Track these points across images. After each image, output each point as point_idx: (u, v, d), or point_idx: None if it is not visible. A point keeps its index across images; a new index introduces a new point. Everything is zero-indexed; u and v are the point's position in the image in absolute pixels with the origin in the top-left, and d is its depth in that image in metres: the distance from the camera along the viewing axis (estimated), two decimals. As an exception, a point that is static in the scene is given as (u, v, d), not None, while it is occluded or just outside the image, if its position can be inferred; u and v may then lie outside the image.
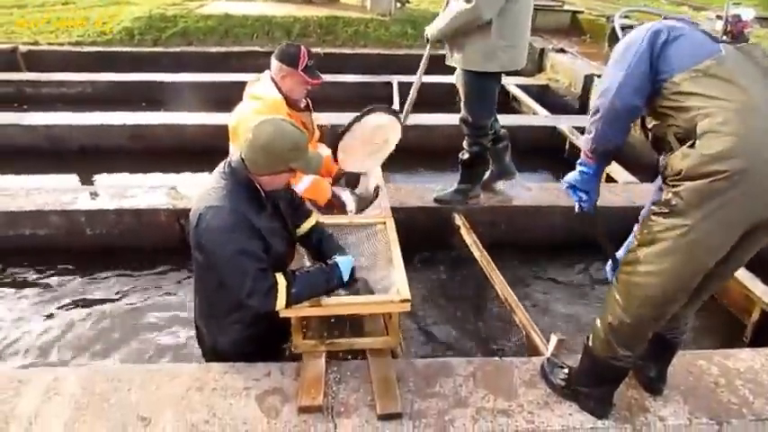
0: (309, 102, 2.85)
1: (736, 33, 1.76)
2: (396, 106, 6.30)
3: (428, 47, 3.57)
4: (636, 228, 1.98)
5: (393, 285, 2.25)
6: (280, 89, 2.63)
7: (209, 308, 2.28)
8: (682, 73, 1.66)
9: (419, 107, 6.14)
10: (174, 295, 3.37)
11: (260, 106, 2.54)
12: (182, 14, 9.22)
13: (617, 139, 1.84)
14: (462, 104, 3.62)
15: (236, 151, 2.15)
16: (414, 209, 3.82)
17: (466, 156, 3.72)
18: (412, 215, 3.75)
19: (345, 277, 2.19)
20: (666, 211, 1.69)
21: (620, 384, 2.10)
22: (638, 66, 1.71)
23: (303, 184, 2.68)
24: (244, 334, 2.26)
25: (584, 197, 2.00)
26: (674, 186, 1.67)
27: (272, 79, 2.65)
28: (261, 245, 2.05)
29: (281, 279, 2.05)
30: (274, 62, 2.63)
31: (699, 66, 1.64)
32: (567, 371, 2.22)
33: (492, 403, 2.16)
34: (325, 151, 2.93)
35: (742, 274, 3.21)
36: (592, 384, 2.10)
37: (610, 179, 4.50)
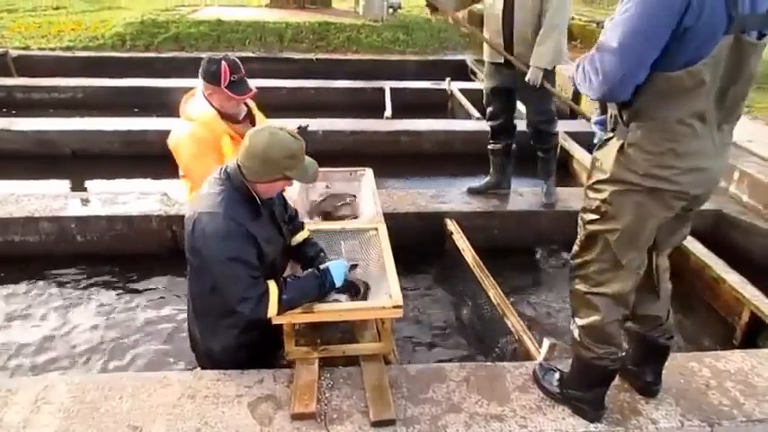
0: (251, 108, 2.70)
1: None
2: (388, 112, 6.31)
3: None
4: None
5: (385, 291, 2.25)
6: (212, 105, 2.51)
7: (202, 311, 2.28)
8: None
9: (411, 113, 6.21)
10: (165, 302, 3.35)
11: (194, 129, 2.46)
12: (174, 20, 9.23)
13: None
14: (535, 111, 3.75)
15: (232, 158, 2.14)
16: (406, 214, 3.83)
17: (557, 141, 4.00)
18: (404, 221, 3.76)
19: (338, 282, 2.19)
20: None
21: (609, 386, 2.12)
22: None
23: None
24: (237, 340, 2.26)
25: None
26: None
27: (203, 94, 2.52)
28: (255, 252, 2.05)
29: (272, 286, 2.06)
30: (200, 79, 2.48)
31: None
32: (559, 375, 2.23)
33: (485, 408, 2.16)
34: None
35: (732, 278, 3.24)
36: (583, 388, 2.11)
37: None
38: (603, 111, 1.92)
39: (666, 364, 2.24)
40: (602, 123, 1.93)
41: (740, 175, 4.21)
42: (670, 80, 1.60)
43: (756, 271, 3.47)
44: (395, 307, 2.15)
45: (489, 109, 3.92)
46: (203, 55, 8.97)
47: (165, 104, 6.66)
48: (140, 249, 3.69)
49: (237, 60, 2.51)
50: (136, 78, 7.32)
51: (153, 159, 5.17)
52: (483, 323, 3.30)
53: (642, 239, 1.86)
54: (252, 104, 2.73)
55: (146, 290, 3.47)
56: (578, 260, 1.97)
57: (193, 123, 2.49)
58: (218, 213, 1.99)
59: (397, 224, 3.34)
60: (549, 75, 3.56)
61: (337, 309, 2.20)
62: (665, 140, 1.67)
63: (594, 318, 1.94)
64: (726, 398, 2.26)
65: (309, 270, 2.24)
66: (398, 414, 2.08)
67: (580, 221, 1.96)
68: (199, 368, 2.42)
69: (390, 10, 10.26)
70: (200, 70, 2.47)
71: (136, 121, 5.62)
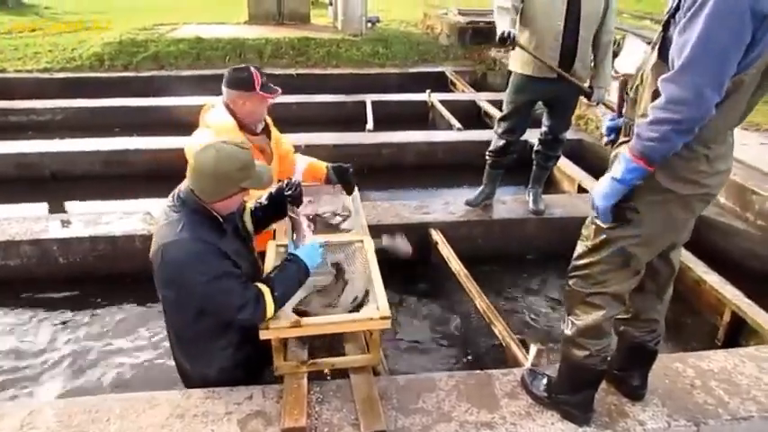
0: (269, 123, 2.77)
1: None
2: (370, 125, 6.35)
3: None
4: None
5: (373, 303, 2.26)
6: (234, 114, 2.54)
7: (190, 340, 2.21)
8: None
9: (392, 125, 6.25)
10: (151, 321, 3.32)
11: (212, 135, 2.45)
12: (153, 39, 9.21)
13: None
14: (564, 123, 3.83)
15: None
16: (390, 226, 3.84)
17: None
18: (389, 232, 3.76)
19: (311, 262, 2.22)
20: None
21: (597, 388, 2.14)
22: None
23: (299, 171, 2.68)
24: (233, 359, 2.24)
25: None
26: None
27: (226, 105, 2.56)
28: (231, 264, 2.04)
29: (262, 287, 2.06)
30: (229, 91, 2.53)
31: None
32: (547, 380, 2.26)
33: (475, 416, 2.17)
34: (308, 159, 2.93)
35: (713, 279, 3.31)
36: (571, 391, 2.13)
37: (582, 189, 4.59)
38: (620, 114, 1.91)
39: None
40: (612, 129, 1.93)
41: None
42: None
43: (736, 271, 3.54)
44: (382, 318, 2.16)
45: (508, 123, 3.77)
46: (183, 73, 8.90)
47: (146, 124, 6.68)
48: (125, 269, 3.65)
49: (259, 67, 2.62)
50: (115, 98, 7.28)
51: (135, 179, 5.19)
52: (470, 331, 3.32)
53: (660, 245, 1.90)
54: (269, 120, 2.78)
55: (131, 309, 3.44)
56: (583, 261, 1.95)
57: (210, 130, 2.50)
58: (184, 239, 1.96)
59: (383, 236, 3.35)
60: None
61: (325, 322, 2.21)
62: (701, 146, 1.68)
63: (595, 315, 1.95)
64: (711, 397, 2.30)
65: (283, 261, 2.23)
66: (389, 425, 2.09)
67: (592, 224, 1.92)
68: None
69: (369, 24, 10.35)
70: (226, 82, 2.53)
71: (116, 141, 5.59)
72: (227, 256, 2.03)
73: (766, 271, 3.74)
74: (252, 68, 2.54)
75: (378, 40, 9.71)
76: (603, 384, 2.22)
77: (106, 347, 3.15)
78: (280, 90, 2.61)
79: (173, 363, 2.37)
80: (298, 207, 2.43)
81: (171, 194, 2.11)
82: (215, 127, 2.50)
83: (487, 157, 3.98)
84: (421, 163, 5.66)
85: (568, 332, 2.05)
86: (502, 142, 3.84)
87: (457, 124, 6.24)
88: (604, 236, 1.87)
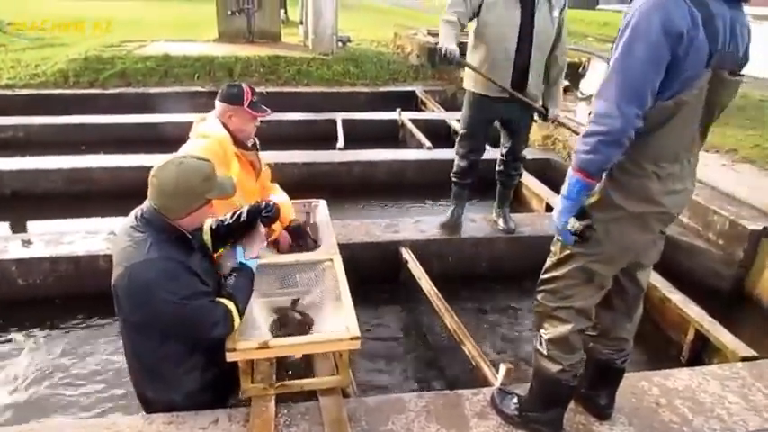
0: (257, 141, 2.84)
1: None
2: (340, 143, 6.36)
3: None
4: None
5: (342, 323, 2.24)
6: (228, 129, 2.62)
7: (154, 367, 2.14)
8: None
9: (363, 143, 6.27)
10: (114, 343, 3.21)
11: (209, 144, 2.51)
12: (119, 56, 9.08)
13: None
14: (522, 142, 3.86)
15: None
16: (360, 244, 3.83)
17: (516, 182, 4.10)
18: (359, 251, 3.76)
19: (254, 267, 2.29)
20: None
21: (566, 406, 2.15)
22: None
23: (274, 199, 2.70)
24: (200, 382, 2.18)
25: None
26: None
27: (219, 120, 2.63)
28: (200, 281, 2.02)
29: (225, 301, 2.06)
30: (219, 104, 2.63)
31: None
32: (516, 399, 2.26)
33: (445, 437, 2.15)
34: (282, 197, 2.93)
35: (677, 297, 3.37)
36: (542, 409, 2.14)
37: (550, 208, 4.66)
38: None
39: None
40: None
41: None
42: (659, 108, 1.68)
43: (699, 290, 3.62)
44: (352, 339, 2.14)
45: (467, 143, 3.81)
46: (151, 90, 8.77)
47: (113, 141, 6.56)
48: (88, 291, 3.52)
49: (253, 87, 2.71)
50: (81, 115, 7.13)
51: (99, 197, 5.07)
52: (440, 351, 3.31)
53: (620, 263, 1.94)
54: (256, 140, 2.84)
55: (93, 332, 3.34)
56: (549, 274, 2.01)
57: (207, 140, 2.53)
58: (153, 259, 1.92)
59: (352, 255, 3.34)
60: None
61: (293, 343, 2.17)
62: (650, 163, 1.75)
63: (562, 328, 1.98)
64: (675, 415, 2.33)
65: (229, 274, 2.22)
66: (358, 448, 2.06)
67: (558, 241, 1.98)
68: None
69: (340, 43, 10.40)
70: (218, 96, 2.64)
71: (80, 159, 5.45)
72: (196, 274, 2.01)
73: (728, 290, 3.84)
74: (244, 85, 2.65)
75: (348, 60, 9.77)
76: (572, 404, 2.23)
77: (66, 371, 3.03)
78: (269, 111, 2.69)
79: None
80: (268, 229, 2.43)
81: (132, 214, 2.07)
82: (212, 137, 2.55)
83: (453, 178, 4.01)
84: (391, 181, 5.68)
85: (539, 347, 2.07)
86: (464, 163, 3.88)
87: (427, 143, 6.29)
88: (568, 251, 1.93)
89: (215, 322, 1.99)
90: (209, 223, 2.37)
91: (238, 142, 2.65)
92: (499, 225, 4.12)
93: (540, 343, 2.06)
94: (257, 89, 2.76)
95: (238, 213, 2.41)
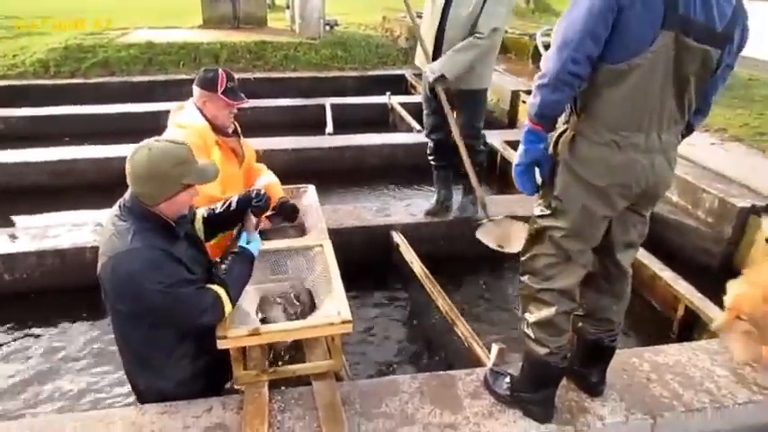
0: (237, 126, 2.78)
1: None
2: (329, 128, 6.32)
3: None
4: None
5: (334, 307, 2.23)
6: (204, 115, 2.56)
7: (145, 355, 2.12)
8: None
9: (352, 128, 6.23)
10: (104, 335, 3.20)
11: (185, 134, 2.43)
12: (101, 44, 8.95)
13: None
14: (469, 119, 3.72)
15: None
16: (351, 229, 3.82)
17: (483, 159, 3.89)
18: (350, 236, 3.75)
19: (256, 251, 2.27)
20: None
21: (557, 386, 2.16)
22: None
23: (261, 181, 2.67)
24: (192, 369, 2.17)
25: (539, 170, 1.94)
26: None
27: (196, 106, 2.57)
28: (185, 269, 2.00)
29: (216, 288, 2.05)
30: (195, 89, 2.57)
31: None
32: (509, 379, 2.27)
33: (438, 418, 2.16)
34: (272, 178, 2.90)
35: (667, 275, 3.39)
36: (532, 389, 2.15)
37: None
38: None
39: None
40: None
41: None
42: (612, 72, 1.68)
43: (689, 267, 3.65)
44: (344, 322, 2.13)
45: (428, 121, 3.83)
46: (135, 79, 8.66)
47: (97, 132, 6.48)
48: (75, 284, 3.49)
49: (231, 72, 2.60)
50: (64, 106, 7.03)
51: (85, 189, 5.00)
52: (433, 332, 3.32)
53: (588, 236, 1.92)
54: (237, 126, 2.77)
55: (82, 325, 3.32)
56: (527, 254, 2.03)
57: (184, 130, 2.46)
58: (136, 248, 1.89)
59: (343, 239, 3.33)
60: (483, 94, 3.65)
61: (285, 328, 2.16)
62: (608, 131, 1.75)
63: (546, 311, 1.98)
64: (666, 390, 2.36)
65: (228, 259, 2.21)
66: (352, 430, 2.06)
67: (532, 216, 2.00)
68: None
69: (327, 27, 10.31)
70: (195, 80, 2.57)
71: (65, 151, 5.39)
72: (181, 262, 1.99)
73: (717, 266, 3.87)
74: (220, 71, 2.55)
75: (336, 44, 9.69)
76: (564, 381, 2.24)
77: (57, 365, 3.02)
78: (245, 99, 2.61)
79: (126, 378, 2.29)
80: (258, 218, 2.40)
81: (116, 204, 2.04)
82: (190, 127, 2.49)
83: (430, 161, 3.98)
84: (382, 165, 5.66)
85: (527, 330, 2.07)
86: (431, 143, 3.89)
87: (417, 126, 6.26)
88: (536, 225, 1.96)
89: (203, 309, 1.98)
90: (201, 212, 2.36)
91: (218, 129, 2.58)
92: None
93: (527, 326, 2.06)
94: (244, 75, 2.72)
95: (228, 203, 2.39)
